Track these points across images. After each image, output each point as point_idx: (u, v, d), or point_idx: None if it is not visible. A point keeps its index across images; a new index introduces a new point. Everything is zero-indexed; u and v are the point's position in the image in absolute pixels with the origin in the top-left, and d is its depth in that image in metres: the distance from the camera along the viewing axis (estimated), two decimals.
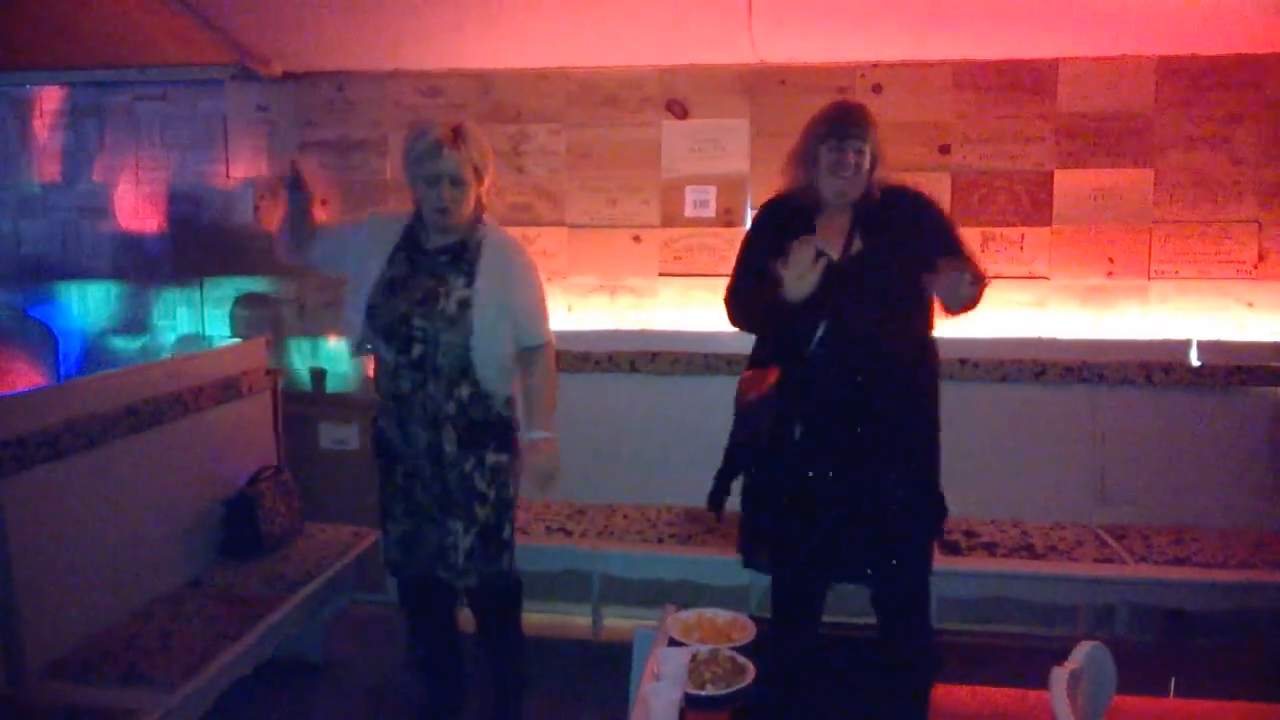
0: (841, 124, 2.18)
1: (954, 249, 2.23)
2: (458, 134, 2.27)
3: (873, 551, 2.24)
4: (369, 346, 2.39)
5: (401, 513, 2.42)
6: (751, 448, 2.29)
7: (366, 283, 2.36)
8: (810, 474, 2.22)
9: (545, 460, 2.38)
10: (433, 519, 2.38)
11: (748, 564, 2.43)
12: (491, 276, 2.34)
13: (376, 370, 2.44)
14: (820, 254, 2.10)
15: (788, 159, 2.30)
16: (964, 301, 2.13)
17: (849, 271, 2.20)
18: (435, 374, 2.31)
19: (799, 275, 2.06)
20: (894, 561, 2.25)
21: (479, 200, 2.37)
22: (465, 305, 2.31)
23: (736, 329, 2.39)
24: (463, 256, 2.35)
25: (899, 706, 1.88)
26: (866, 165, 2.19)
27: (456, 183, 2.28)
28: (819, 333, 2.18)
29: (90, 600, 2.40)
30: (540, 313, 2.45)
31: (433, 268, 2.35)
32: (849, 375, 2.18)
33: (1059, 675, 1.21)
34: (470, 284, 2.32)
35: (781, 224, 2.28)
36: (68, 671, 2.20)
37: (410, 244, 2.39)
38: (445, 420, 2.32)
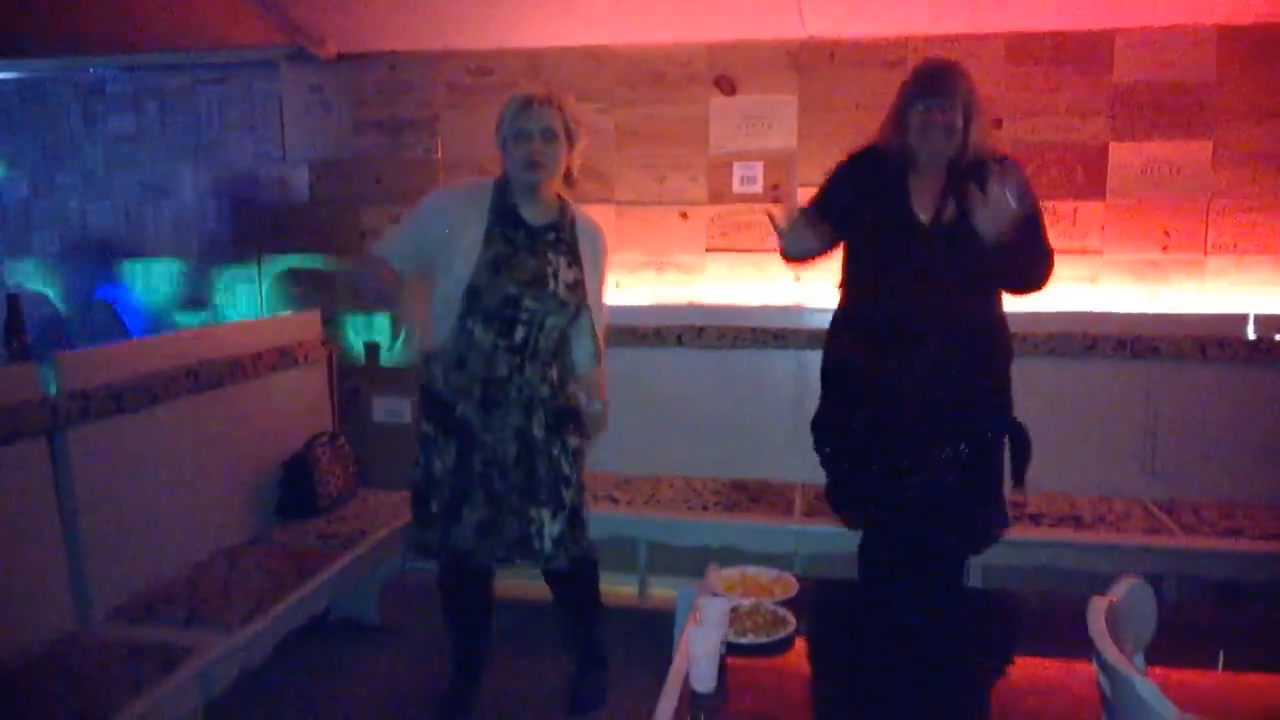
0: (928, 85, 2.14)
1: (1033, 220, 2.17)
2: (550, 94, 2.25)
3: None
4: (432, 342, 2.33)
5: (481, 500, 2.32)
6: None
7: (464, 262, 2.24)
8: (899, 443, 2.23)
9: (601, 424, 2.56)
10: (512, 508, 2.32)
11: (842, 519, 2.45)
12: (589, 257, 2.36)
13: (456, 353, 2.30)
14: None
15: (883, 121, 2.26)
16: (1000, 232, 2.05)
17: (937, 236, 2.17)
18: (534, 357, 2.29)
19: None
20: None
21: (569, 171, 2.32)
22: (574, 287, 2.30)
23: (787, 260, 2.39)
24: (562, 236, 2.32)
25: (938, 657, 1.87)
26: (959, 124, 2.12)
27: (548, 138, 2.21)
28: (907, 298, 2.17)
29: (153, 550, 2.49)
30: (602, 292, 2.48)
31: (534, 246, 2.28)
32: (931, 343, 2.17)
33: (1097, 605, 1.20)
34: (573, 263, 2.31)
35: (869, 179, 2.25)
36: (131, 613, 2.29)
37: (505, 220, 2.28)
38: (539, 404, 2.31)
